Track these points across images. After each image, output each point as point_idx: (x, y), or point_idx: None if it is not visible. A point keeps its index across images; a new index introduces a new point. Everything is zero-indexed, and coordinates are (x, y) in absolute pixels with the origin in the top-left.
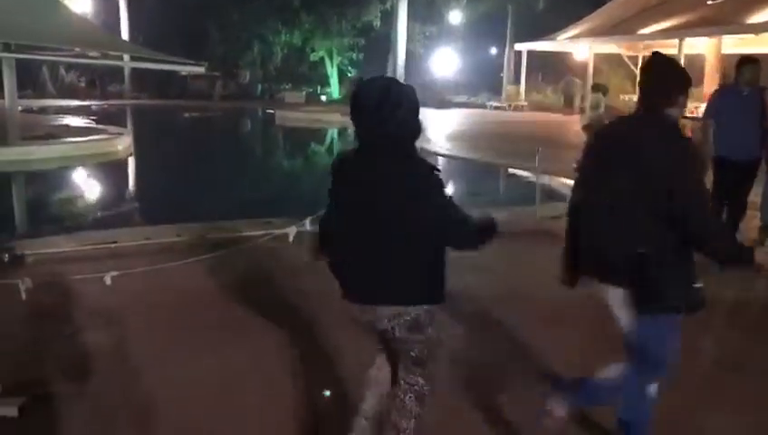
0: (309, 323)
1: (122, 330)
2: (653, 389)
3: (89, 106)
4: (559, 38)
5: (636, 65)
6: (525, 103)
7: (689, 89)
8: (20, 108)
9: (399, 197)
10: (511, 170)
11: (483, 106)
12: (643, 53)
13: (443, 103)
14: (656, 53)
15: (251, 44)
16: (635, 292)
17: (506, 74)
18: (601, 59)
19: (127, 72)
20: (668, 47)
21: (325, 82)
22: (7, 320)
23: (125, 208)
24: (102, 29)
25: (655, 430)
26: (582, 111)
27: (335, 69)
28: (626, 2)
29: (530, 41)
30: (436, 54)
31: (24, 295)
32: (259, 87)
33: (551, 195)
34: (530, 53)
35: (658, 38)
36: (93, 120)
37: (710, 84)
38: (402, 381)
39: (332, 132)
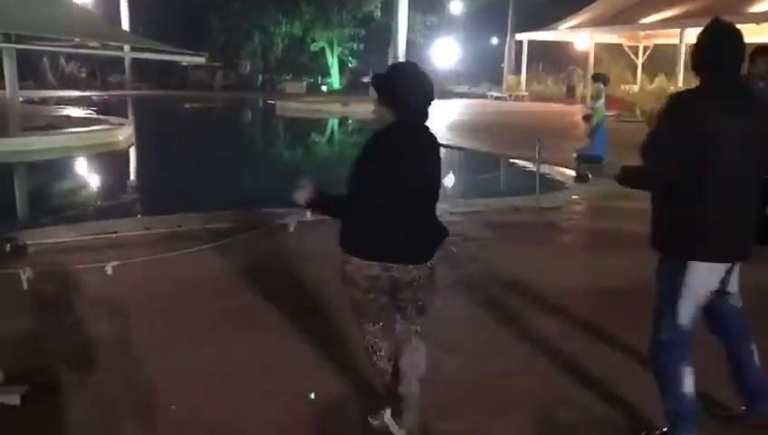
0: (310, 313)
1: (123, 319)
2: None
3: (89, 97)
4: (560, 28)
5: (636, 55)
6: (526, 93)
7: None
8: (20, 99)
9: (438, 163)
10: (511, 160)
11: (483, 96)
12: (643, 42)
13: (443, 93)
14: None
15: (251, 35)
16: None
17: (507, 64)
18: (602, 49)
19: (127, 63)
20: (670, 37)
21: (326, 72)
22: (9, 310)
23: (126, 199)
24: (103, 19)
25: None
26: (583, 100)
27: (335, 59)
28: None
29: (531, 30)
30: (436, 44)
31: (25, 285)
32: (260, 77)
33: (551, 185)
34: (531, 42)
35: (660, 28)
36: (94, 110)
37: None
38: (411, 327)
39: (333, 122)
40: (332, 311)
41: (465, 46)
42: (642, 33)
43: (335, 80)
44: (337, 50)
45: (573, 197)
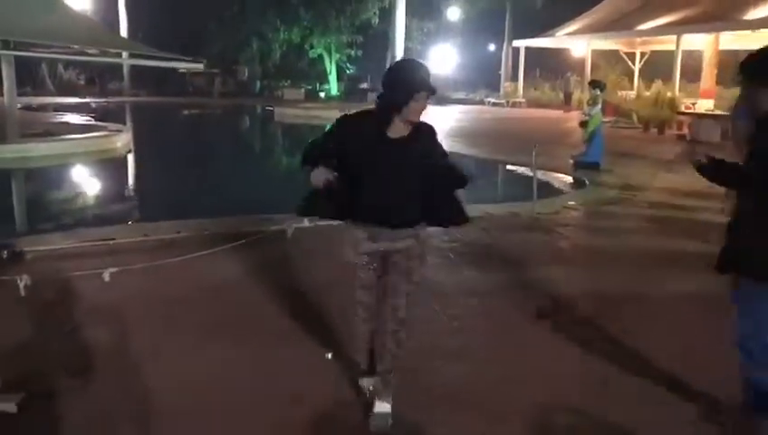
0: (309, 320)
1: (121, 326)
2: None
3: (88, 103)
4: (557, 34)
5: (633, 61)
6: (523, 100)
7: None
8: (19, 105)
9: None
10: (509, 166)
11: (481, 102)
12: (640, 48)
13: (441, 100)
14: None
15: (250, 42)
16: None
17: (504, 71)
18: (599, 55)
19: (126, 70)
20: (666, 43)
21: (324, 78)
22: (6, 316)
23: (124, 205)
24: (101, 26)
25: None
26: (580, 107)
27: (334, 66)
28: None
29: (528, 37)
30: (434, 51)
31: (22, 292)
32: (258, 84)
33: (548, 191)
34: (528, 49)
35: (656, 34)
36: (92, 117)
37: (708, 80)
38: (401, 289)
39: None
40: (331, 316)
41: (462, 53)
42: (639, 40)
43: (333, 86)
44: (335, 56)
45: (570, 202)
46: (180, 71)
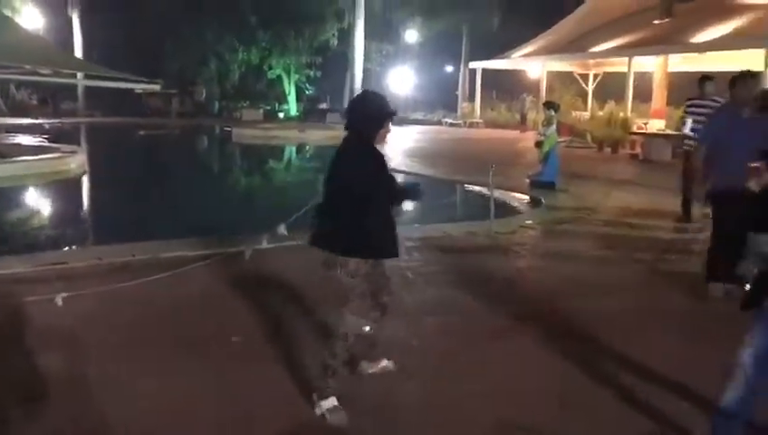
0: (267, 341)
1: (74, 352)
2: None
3: (41, 124)
4: (513, 56)
5: (587, 82)
6: (481, 120)
7: None
8: None
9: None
10: (467, 186)
11: (439, 123)
12: (593, 70)
13: (400, 120)
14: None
15: (207, 62)
16: None
17: (461, 92)
18: (554, 76)
19: (80, 90)
20: (618, 65)
21: (283, 99)
22: None
23: (78, 228)
24: (54, 46)
25: None
26: (536, 127)
27: (293, 86)
28: (577, 21)
29: (485, 59)
30: (392, 72)
31: None
32: (216, 104)
33: (505, 210)
34: (485, 70)
35: (608, 56)
36: (46, 138)
37: (658, 101)
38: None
39: (290, 149)
40: (289, 338)
41: (420, 74)
42: (592, 62)
43: (292, 107)
44: (294, 77)
45: (527, 222)
46: (137, 91)
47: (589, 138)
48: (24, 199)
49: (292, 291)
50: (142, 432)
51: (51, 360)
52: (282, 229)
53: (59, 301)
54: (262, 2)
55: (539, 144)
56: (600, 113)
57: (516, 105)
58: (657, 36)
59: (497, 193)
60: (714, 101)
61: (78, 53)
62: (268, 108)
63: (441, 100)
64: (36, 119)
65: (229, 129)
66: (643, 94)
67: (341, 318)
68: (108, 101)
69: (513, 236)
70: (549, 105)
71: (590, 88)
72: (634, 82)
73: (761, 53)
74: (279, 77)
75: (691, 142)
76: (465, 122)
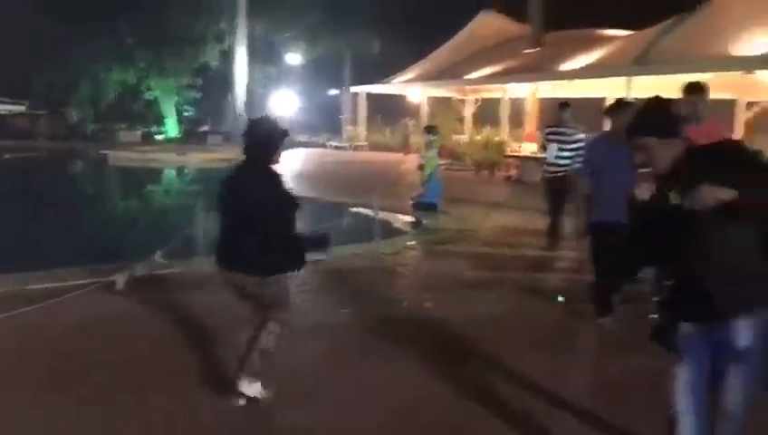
0: (139, 373)
1: None
2: None
3: None
4: (393, 81)
5: (465, 108)
6: (365, 143)
7: None
8: None
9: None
10: (353, 209)
11: (324, 146)
12: (471, 96)
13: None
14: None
15: (81, 82)
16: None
17: (346, 115)
18: (434, 101)
19: None
20: (494, 91)
21: (162, 121)
22: None
23: None
24: None
25: None
26: (418, 150)
27: (172, 108)
28: (454, 49)
29: (367, 83)
30: (276, 95)
31: None
32: (90, 126)
33: (389, 231)
34: (369, 94)
35: (484, 83)
36: None
37: (531, 125)
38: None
39: (169, 172)
40: (163, 371)
41: (304, 97)
42: (469, 88)
43: (172, 129)
44: (173, 98)
45: (410, 242)
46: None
47: (467, 161)
48: None
49: (166, 321)
50: None
51: None
52: (158, 256)
53: None
54: (139, 21)
55: (421, 167)
56: (478, 137)
57: (399, 129)
58: (528, 64)
59: (382, 215)
60: (569, 126)
61: None
62: (146, 130)
63: (325, 123)
64: None
65: (105, 151)
66: (517, 119)
67: (266, 328)
68: None
69: (398, 257)
70: (429, 129)
71: (469, 113)
72: (509, 108)
73: (622, 80)
74: (158, 98)
75: (553, 169)
76: (350, 145)
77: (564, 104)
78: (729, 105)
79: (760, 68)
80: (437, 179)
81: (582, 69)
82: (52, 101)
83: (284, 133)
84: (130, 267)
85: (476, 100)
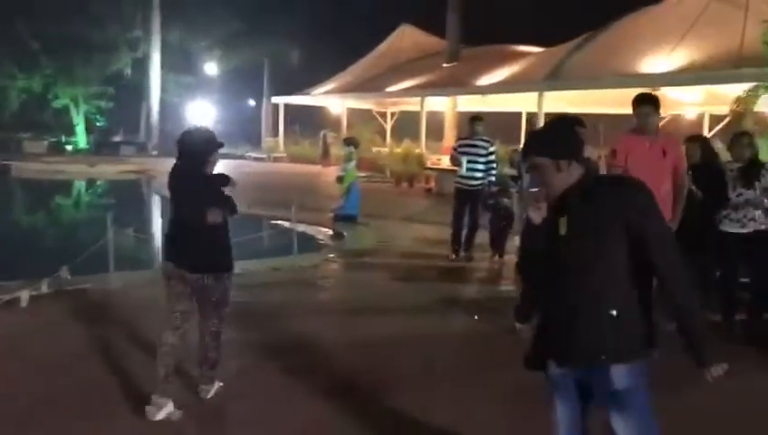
0: (45, 401)
1: None
2: None
3: None
4: (313, 93)
5: (385, 120)
6: (285, 155)
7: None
8: None
9: None
10: (271, 221)
11: (242, 157)
12: (390, 109)
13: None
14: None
15: None
16: None
17: (265, 126)
18: (354, 114)
19: None
20: (413, 104)
21: (71, 130)
22: None
23: None
24: None
25: None
26: (338, 162)
27: (81, 117)
28: (374, 62)
29: (287, 94)
30: (192, 105)
31: None
32: None
33: (309, 244)
34: (288, 106)
35: (402, 96)
36: None
37: (449, 138)
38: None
39: (79, 184)
40: (70, 395)
41: (221, 107)
42: (389, 101)
43: (81, 139)
44: (83, 107)
45: (330, 255)
46: None
47: (387, 173)
48: None
49: (76, 340)
50: None
51: None
52: (64, 272)
53: None
54: (44, 25)
55: (340, 179)
56: (398, 150)
57: (319, 140)
58: (445, 78)
59: (301, 227)
60: (483, 140)
61: None
62: (54, 140)
63: (244, 134)
64: None
65: (7, 162)
66: (436, 132)
67: (219, 321)
68: None
69: (317, 269)
70: (348, 141)
71: (389, 125)
72: (428, 120)
73: (534, 95)
74: (66, 107)
75: (466, 181)
76: (269, 157)
77: (476, 118)
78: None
79: (665, 85)
80: (357, 191)
81: (497, 84)
82: None
83: (219, 144)
84: (35, 284)
85: (395, 113)
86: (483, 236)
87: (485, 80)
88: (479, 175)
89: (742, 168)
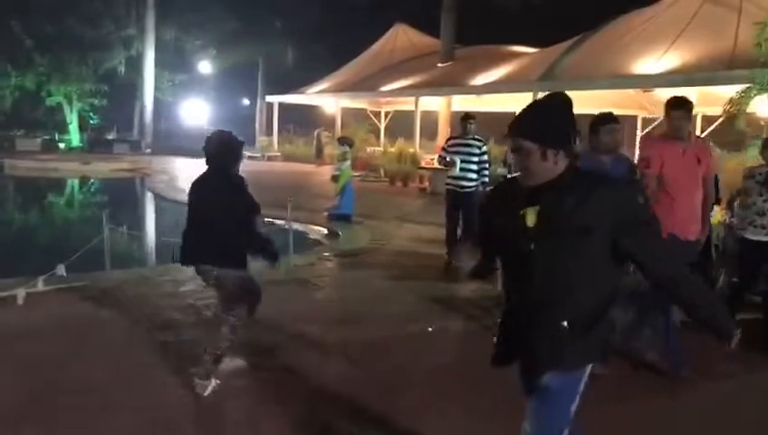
0: (40, 399)
1: None
2: None
3: None
4: (308, 92)
5: (379, 119)
6: (279, 154)
7: None
8: None
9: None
10: (266, 220)
11: None
12: (385, 108)
13: (195, 153)
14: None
15: None
16: None
17: (259, 125)
18: (349, 113)
19: None
20: (407, 104)
21: (64, 128)
22: None
23: None
24: None
25: None
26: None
27: (75, 115)
28: (368, 61)
29: (281, 93)
30: (186, 104)
31: None
32: None
33: (304, 242)
34: (282, 105)
35: (397, 96)
36: None
37: (443, 137)
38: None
39: (72, 182)
40: (66, 393)
41: (216, 106)
42: (383, 100)
43: (75, 136)
44: (77, 105)
45: (325, 254)
46: None
47: (382, 172)
48: None
49: (70, 339)
50: None
51: None
52: (60, 270)
53: None
54: (38, 23)
55: (335, 178)
56: (392, 149)
57: (314, 139)
58: (440, 78)
59: (296, 226)
60: (475, 139)
61: None
62: (47, 137)
63: (239, 132)
64: None
65: (0, 160)
66: (430, 131)
67: (226, 318)
68: None
69: (312, 268)
70: (343, 141)
71: (383, 125)
72: (422, 119)
73: (529, 95)
74: (59, 104)
75: (458, 182)
76: (263, 156)
77: (468, 116)
78: (631, 121)
79: (658, 86)
80: (351, 190)
81: (491, 84)
82: None
83: (242, 143)
84: (31, 282)
85: (389, 112)
86: None
87: (480, 79)
88: (472, 175)
89: None
